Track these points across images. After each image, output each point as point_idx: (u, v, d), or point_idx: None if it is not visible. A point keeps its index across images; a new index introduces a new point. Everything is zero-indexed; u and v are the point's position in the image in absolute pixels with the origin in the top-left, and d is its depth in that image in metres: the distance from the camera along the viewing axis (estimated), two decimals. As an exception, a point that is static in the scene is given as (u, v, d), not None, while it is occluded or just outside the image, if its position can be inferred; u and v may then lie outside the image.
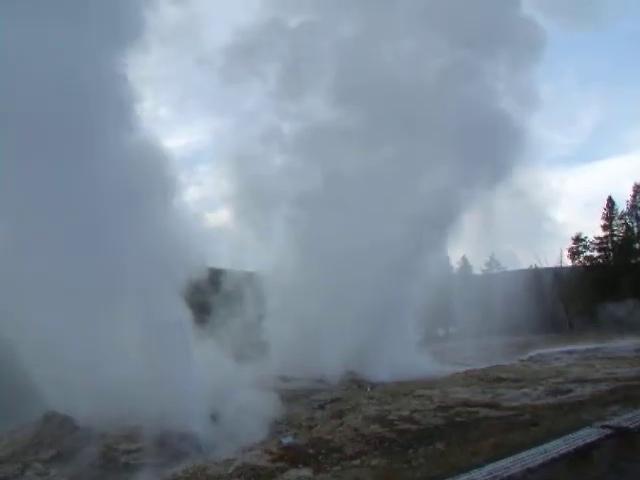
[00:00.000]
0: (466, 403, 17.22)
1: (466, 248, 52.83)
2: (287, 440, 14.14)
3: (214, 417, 16.38)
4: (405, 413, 16.29)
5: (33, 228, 16.36)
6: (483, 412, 15.99)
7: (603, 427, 8.92)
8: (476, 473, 6.78)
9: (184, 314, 17.94)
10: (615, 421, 9.53)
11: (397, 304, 27.48)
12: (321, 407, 19.22)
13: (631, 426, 8.93)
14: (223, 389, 18.76)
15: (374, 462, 11.97)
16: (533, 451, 9.37)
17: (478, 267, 58.67)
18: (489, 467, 7.65)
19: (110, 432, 15.10)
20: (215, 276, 23.14)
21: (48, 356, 15.34)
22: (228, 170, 31.17)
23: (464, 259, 57.12)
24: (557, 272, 53.76)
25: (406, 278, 27.67)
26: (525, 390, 18.86)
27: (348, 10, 30.35)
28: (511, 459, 8.82)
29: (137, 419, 15.38)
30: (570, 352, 30.43)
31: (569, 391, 18.21)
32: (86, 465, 13.42)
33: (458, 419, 15.40)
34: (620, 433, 8.55)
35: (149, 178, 18.15)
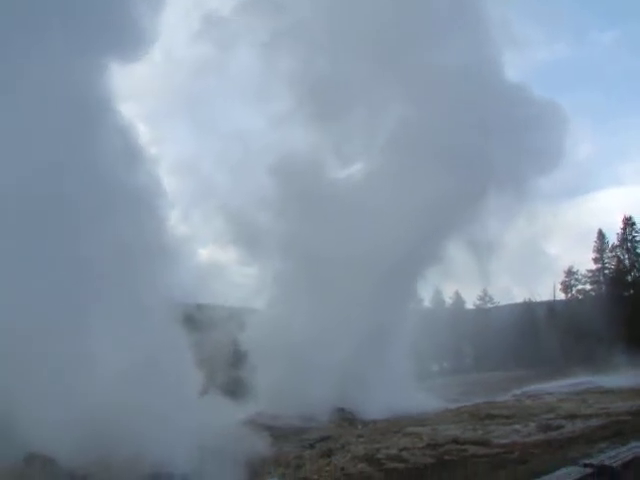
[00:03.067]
0: (456, 440, 17.05)
1: (459, 283, 52.83)
2: (273, 480, 13.96)
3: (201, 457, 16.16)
4: (393, 452, 16.12)
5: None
6: (472, 450, 15.83)
7: (585, 466, 8.80)
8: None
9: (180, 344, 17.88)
10: (598, 459, 9.41)
11: (389, 337, 27.38)
12: (311, 446, 18.98)
13: (614, 464, 8.81)
14: (210, 426, 18.58)
15: (359, 503, 11.83)
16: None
17: (471, 302, 58.73)
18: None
19: (94, 473, 14.85)
20: (199, 311, 22.96)
21: (26, 394, 15.08)
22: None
23: (457, 294, 57.13)
24: (550, 306, 53.81)
25: (398, 306, 27.69)
26: (516, 427, 18.69)
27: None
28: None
29: (122, 458, 15.17)
30: (563, 387, 30.22)
31: (560, 427, 18.04)
32: (68, 509, 13.19)
33: (447, 457, 15.23)
34: (601, 472, 8.44)
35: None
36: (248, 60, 33.55)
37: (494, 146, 29.24)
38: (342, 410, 23.89)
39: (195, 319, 19.85)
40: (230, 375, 25.46)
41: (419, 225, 27.04)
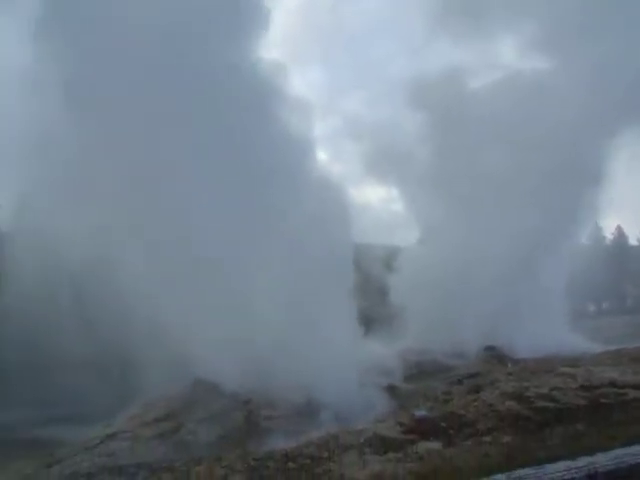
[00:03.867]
0: (613, 383, 16.19)
1: (621, 217, 49.01)
2: (420, 413, 14.31)
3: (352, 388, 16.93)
4: (544, 391, 15.68)
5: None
6: (632, 394, 14.99)
7: None
8: (600, 456, 6.55)
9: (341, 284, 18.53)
10: None
11: (542, 274, 26.27)
12: (459, 382, 19.15)
13: None
14: (360, 359, 19.35)
15: (506, 439, 11.85)
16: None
17: (635, 237, 54.09)
18: (619, 451, 7.31)
19: (253, 399, 16.26)
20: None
21: (195, 324, 16.58)
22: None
23: (619, 229, 52.98)
24: None
25: (553, 240, 26.37)
26: (684, 372, 17.39)
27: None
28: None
29: (280, 387, 16.40)
30: None
31: None
32: (231, 427, 14.63)
33: (603, 400, 14.62)
34: None
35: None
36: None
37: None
38: (492, 348, 23.58)
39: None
40: (379, 311, 26.07)
41: (575, 135, 25.27)
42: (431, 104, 27.82)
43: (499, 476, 6.05)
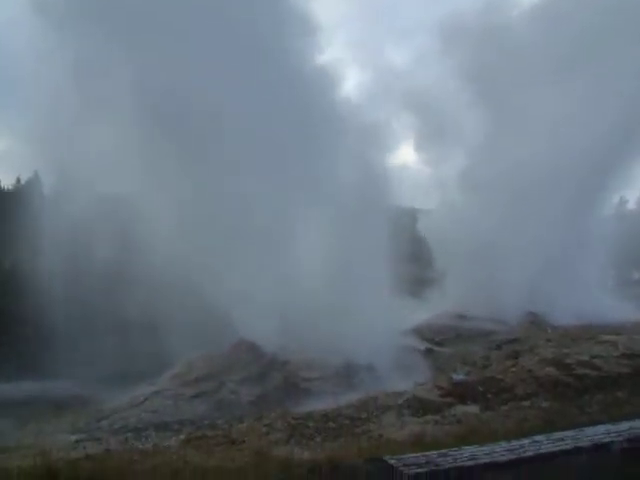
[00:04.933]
0: (657, 351, 16.03)
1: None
2: (458, 377, 14.41)
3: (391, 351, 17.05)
4: (585, 358, 15.57)
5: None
6: (677, 363, 14.81)
7: None
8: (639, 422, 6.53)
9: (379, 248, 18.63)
10: None
11: (585, 241, 25.76)
12: (498, 347, 19.11)
13: None
14: (399, 324, 19.45)
15: (544, 404, 11.86)
16: None
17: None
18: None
19: (293, 360, 16.55)
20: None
21: (238, 287, 16.85)
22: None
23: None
24: None
25: (595, 207, 25.77)
26: None
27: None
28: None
29: (319, 349, 16.64)
30: None
31: None
32: (271, 388, 14.99)
33: (645, 368, 14.46)
34: None
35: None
36: None
37: None
38: (532, 314, 23.40)
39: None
40: (419, 275, 26.03)
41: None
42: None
43: (539, 437, 6.08)
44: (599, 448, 5.88)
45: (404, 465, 5.05)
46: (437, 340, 20.74)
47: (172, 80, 17.02)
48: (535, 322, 22.69)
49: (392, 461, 5.17)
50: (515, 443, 5.93)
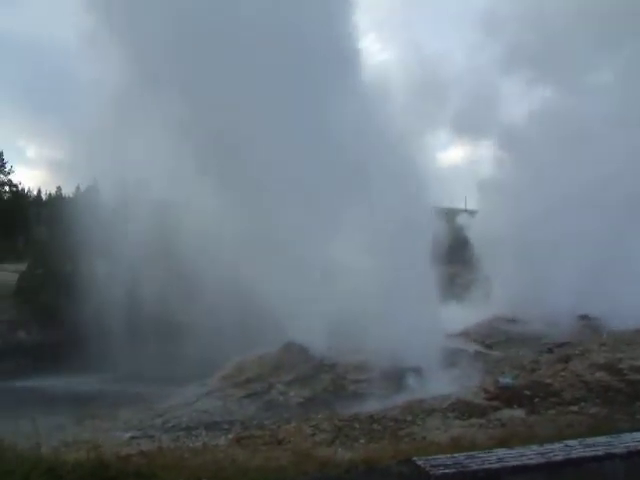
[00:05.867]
0: None
1: None
2: (505, 380, 14.30)
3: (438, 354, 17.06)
4: (638, 363, 15.20)
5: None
6: None
7: None
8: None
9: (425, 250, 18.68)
10: None
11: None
12: (549, 351, 18.83)
13: None
14: (447, 326, 19.41)
15: (593, 410, 11.65)
16: None
17: None
18: None
19: (341, 363, 16.83)
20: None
21: (288, 291, 17.23)
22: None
23: None
24: None
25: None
26: None
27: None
28: None
29: (366, 352, 16.84)
30: None
31: None
32: (319, 390, 15.28)
33: None
34: None
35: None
36: None
37: None
38: (585, 317, 22.89)
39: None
40: (467, 278, 25.82)
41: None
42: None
43: (572, 442, 6.11)
44: (633, 455, 5.87)
45: (431, 466, 5.21)
46: (487, 343, 20.61)
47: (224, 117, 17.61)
48: (589, 325, 22.19)
49: (420, 462, 5.34)
50: (547, 447, 5.98)
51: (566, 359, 16.50)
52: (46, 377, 20.40)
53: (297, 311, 17.32)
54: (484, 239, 25.93)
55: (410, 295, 17.52)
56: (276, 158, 17.84)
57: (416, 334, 16.52)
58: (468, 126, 30.70)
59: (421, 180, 19.96)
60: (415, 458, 5.52)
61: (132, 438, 12.80)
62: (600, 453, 5.74)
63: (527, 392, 13.35)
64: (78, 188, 34.48)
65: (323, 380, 16.01)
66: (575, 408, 11.99)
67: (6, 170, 43.95)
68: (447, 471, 5.14)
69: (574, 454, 5.69)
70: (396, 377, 15.89)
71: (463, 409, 12.58)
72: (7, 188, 44.63)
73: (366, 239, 18.73)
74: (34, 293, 26.55)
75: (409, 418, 12.72)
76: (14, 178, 45.59)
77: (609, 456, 5.75)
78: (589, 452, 5.77)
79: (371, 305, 17.34)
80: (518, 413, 11.99)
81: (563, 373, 14.75)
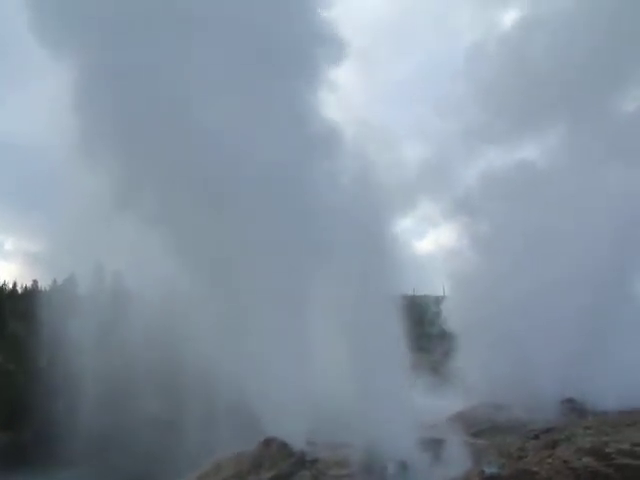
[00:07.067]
0: None
1: None
2: (490, 470, 13.93)
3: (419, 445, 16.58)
4: (625, 446, 14.83)
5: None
6: None
7: None
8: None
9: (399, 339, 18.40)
10: None
11: (621, 322, 24.98)
12: (535, 437, 18.41)
13: None
14: (429, 416, 18.97)
15: (581, 498, 11.30)
16: None
17: None
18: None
19: (322, 457, 16.29)
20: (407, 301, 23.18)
21: (263, 387, 16.88)
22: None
23: None
24: None
25: (626, 288, 25.25)
26: None
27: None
28: None
29: (347, 444, 16.32)
30: None
31: None
32: (300, 487, 14.61)
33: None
34: None
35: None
36: None
37: None
38: (570, 401, 22.55)
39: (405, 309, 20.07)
40: (449, 366, 25.49)
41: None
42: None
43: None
44: None
45: None
46: (472, 432, 20.11)
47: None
48: (574, 409, 21.84)
49: None
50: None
51: (552, 445, 16.17)
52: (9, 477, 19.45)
53: (277, 407, 16.93)
54: (462, 326, 25.79)
55: (389, 390, 17.15)
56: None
57: (395, 426, 16.11)
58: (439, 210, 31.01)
59: (393, 268, 19.98)
60: None
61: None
62: None
63: (513, 481, 12.96)
64: (55, 281, 34.23)
65: (304, 477, 15.37)
66: (563, 497, 11.62)
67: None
68: None
69: None
70: (379, 470, 15.36)
71: (448, 501, 12.13)
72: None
73: (340, 322, 18.50)
74: (3, 390, 25.74)
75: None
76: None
77: None
78: None
79: (347, 400, 17.04)
80: (505, 504, 11.58)
81: (550, 460, 14.40)
